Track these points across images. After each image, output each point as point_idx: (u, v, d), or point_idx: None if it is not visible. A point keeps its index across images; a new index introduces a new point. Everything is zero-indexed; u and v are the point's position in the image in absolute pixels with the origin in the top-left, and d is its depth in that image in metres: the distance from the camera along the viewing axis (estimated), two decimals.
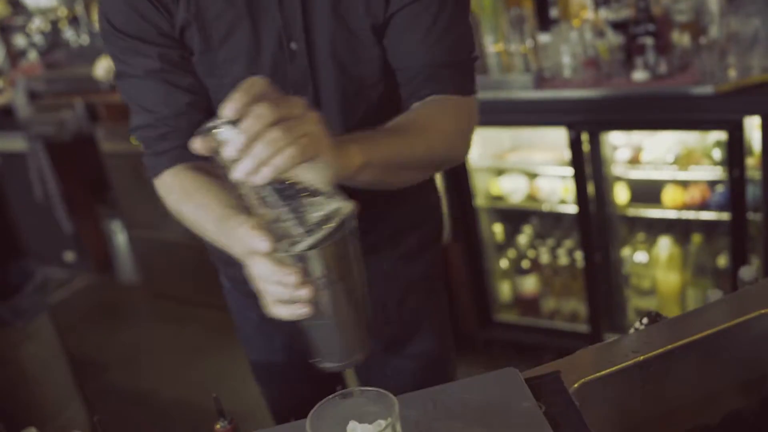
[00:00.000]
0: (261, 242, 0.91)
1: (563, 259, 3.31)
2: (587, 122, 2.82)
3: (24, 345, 2.98)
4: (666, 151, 2.96)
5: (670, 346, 1.24)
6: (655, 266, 3.15)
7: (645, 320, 1.34)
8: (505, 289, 3.44)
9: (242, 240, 0.92)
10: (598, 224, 3.02)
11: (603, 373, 1.20)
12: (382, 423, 0.90)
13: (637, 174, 3.00)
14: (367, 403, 0.93)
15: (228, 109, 0.86)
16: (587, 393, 1.17)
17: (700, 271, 3.11)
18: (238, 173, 0.87)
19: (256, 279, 0.97)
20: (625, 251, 3.21)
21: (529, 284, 3.36)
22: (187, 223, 1.30)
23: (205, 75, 1.31)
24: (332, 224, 0.91)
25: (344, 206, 0.93)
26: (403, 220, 1.47)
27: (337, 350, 1.01)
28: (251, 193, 0.91)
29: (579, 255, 3.21)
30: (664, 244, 3.11)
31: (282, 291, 0.94)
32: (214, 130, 0.88)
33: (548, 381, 1.17)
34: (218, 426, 1.36)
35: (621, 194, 3.08)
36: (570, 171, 2.95)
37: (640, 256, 3.20)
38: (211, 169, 1.27)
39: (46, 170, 4.55)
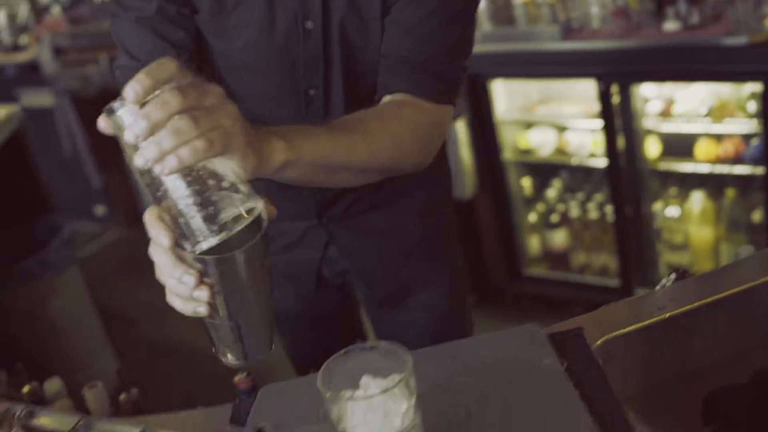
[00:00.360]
0: (163, 237, 0.85)
1: (593, 213, 3.25)
2: (617, 74, 2.75)
3: (52, 298, 3.01)
4: (699, 103, 2.88)
5: (697, 303, 1.21)
6: (687, 221, 3.09)
7: (672, 276, 1.30)
8: (534, 244, 3.41)
9: (146, 226, 0.87)
10: (628, 178, 2.96)
11: (627, 329, 1.17)
12: (396, 377, 0.88)
13: (669, 127, 2.93)
14: (380, 358, 0.91)
15: (129, 90, 0.79)
16: (611, 349, 1.14)
17: (734, 226, 3.04)
18: (138, 160, 0.80)
19: (156, 267, 0.91)
20: (657, 205, 3.15)
21: (559, 238, 3.32)
22: None
23: (212, 35, 1.27)
24: (240, 226, 0.85)
25: (257, 207, 0.86)
26: (409, 179, 1.41)
27: (237, 350, 0.96)
28: (155, 182, 0.83)
29: (609, 209, 3.16)
30: (697, 199, 3.05)
31: (180, 287, 0.89)
32: (114, 112, 0.81)
33: (570, 337, 1.14)
34: (237, 378, 1.35)
35: (652, 148, 3.01)
36: (600, 124, 2.89)
37: (672, 211, 3.13)
38: None
39: (73, 125, 4.55)
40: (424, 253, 1.57)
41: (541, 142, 3.24)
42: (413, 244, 1.55)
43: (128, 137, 0.80)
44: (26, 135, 3.57)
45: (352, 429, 0.88)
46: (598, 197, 3.28)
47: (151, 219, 0.86)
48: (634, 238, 3.08)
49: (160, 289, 0.92)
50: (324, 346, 1.34)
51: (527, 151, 3.29)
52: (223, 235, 0.84)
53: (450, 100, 1.25)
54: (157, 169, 0.81)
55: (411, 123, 1.19)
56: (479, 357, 1.12)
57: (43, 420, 1.26)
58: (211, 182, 0.84)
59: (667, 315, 1.18)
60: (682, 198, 3.12)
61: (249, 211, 0.85)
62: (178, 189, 0.83)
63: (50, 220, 3.28)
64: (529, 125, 3.30)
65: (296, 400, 1.13)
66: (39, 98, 4.57)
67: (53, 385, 1.61)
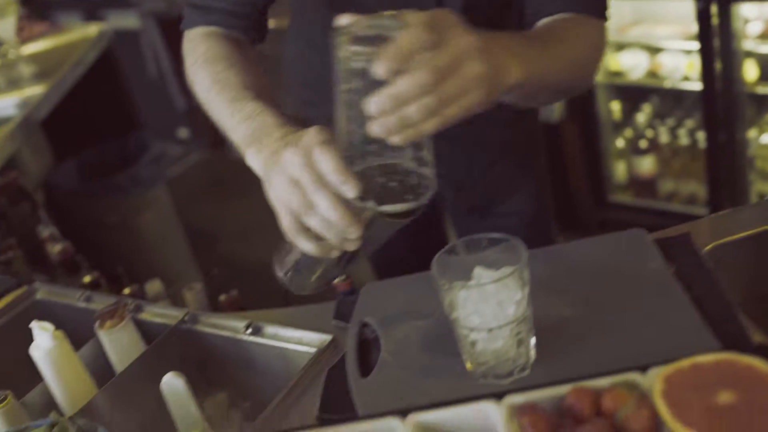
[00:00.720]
0: (348, 187, 0.81)
1: (684, 140, 3.17)
2: None
3: (143, 213, 3.09)
4: None
5: None
6: None
7: None
8: (620, 170, 3.35)
9: (320, 165, 0.82)
10: (723, 103, 2.87)
11: (736, 237, 1.15)
12: (510, 268, 0.88)
13: None
14: (493, 251, 0.91)
15: (381, 64, 0.74)
16: (719, 256, 1.12)
17: None
18: (376, 128, 0.77)
19: (281, 191, 0.88)
20: (752, 132, 3.05)
21: (646, 165, 3.25)
22: (196, 88, 1.16)
23: None
24: (423, 201, 0.84)
25: (433, 183, 0.84)
26: None
27: (308, 284, 1.00)
28: (360, 140, 0.81)
29: (701, 135, 3.08)
30: None
31: (325, 229, 0.86)
32: (349, 44, 0.77)
33: (678, 242, 1.12)
34: (336, 281, 1.37)
35: (750, 71, 2.91)
36: (696, 45, 2.80)
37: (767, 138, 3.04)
38: (248, 48, 1.20)
39: (159, 47, 4.60)
40: (511, 160, 1.56)
41: (632, 65, 3.15)
42: (500, 152, 1.54)
43: (378, 70, 0.75)
44: (116, 55, 3.62)
45: (465, 317, 0.88)
46: (689, 123, 3.19)
47: (339, 166, 0.82)
48: (725, 166, 2.99)
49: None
50: (407, 256, 1.35)
51: (618, 74, 3.20)
52: (409, 205, 0.84)
53: (605, 14, 1.17)
54: (393, 138, 0.78)
55: (586, 40, 1.13)
56: (585, 259, 1.12)
57: (151, 313, 1.31)
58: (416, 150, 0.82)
59: None
60: None
61: (430, 183, 0.84)
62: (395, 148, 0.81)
63: (140, 137, 3.35)
64: (620, 47, 3.21)
65: (398, 297, 1.15)
66: (125, 20, 4.62)
67: (154, 286, 1.66)
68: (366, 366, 1.04)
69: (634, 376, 0.75)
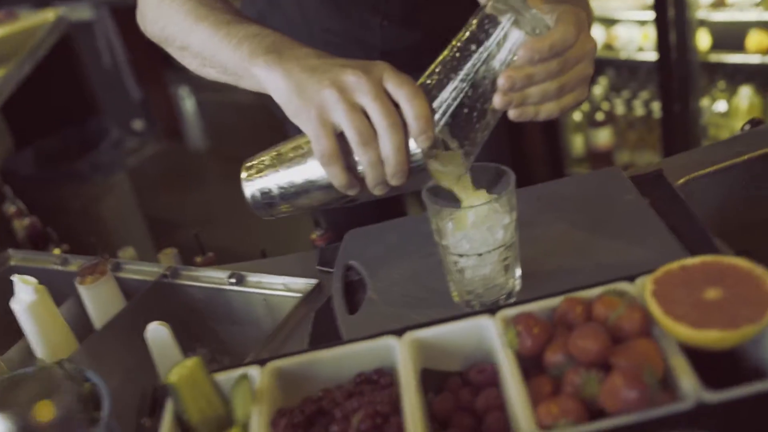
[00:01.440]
0: (427, 137, 0.83)
1: (639, 111, 3.23)
2: None
3: (104, 199, 3.06)
4: None
5: None
6: (734, 116, 3.07)
7: (747, 127, 1.30)
8: (577, 143, 3.40)
9: (410, 104, 0.83)
10: (678, 73, 2.93)
11: (707, 170, 1.18)
12: (499, 193, 0.90)
13: (721, 16, 2.89)
14: (480, 180, 0.93)
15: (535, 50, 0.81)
16: (691, 190, 1.16)
17: None
18: (498, 101, 0.83)
19: (329, 111, 0.84)
20: (704, 101, 3.12)
21: (603, 137, 3.31)
22: (166, 20, 1.07)
23: None
24: (468, 165, 0.89)
25: (473, 153, 0.90)
26: None
27: (281, 210, 0.97)
28: (482, 96, 0.85)
29: (656, 106, 3.14)
30: (745, 93, 3.02)
31: (372, 166, 0.85)
32: (499, 26, 0.83)
33: (652, 178, 1.16)
34: (314, 235, 1.38)
35: (703, 40, 2.97)
36: (651, 15, 2.85)
37: (720, 106, 3.11)
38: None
39: (113, 37, 4.55)
40: None
41: None
42: None
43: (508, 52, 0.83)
44: (73, 42, 3.58)
45: (456, 243, 0.90)
46: (644, 94, 3.25)
47: (428, 114, 0.83)
48: (680, 136, 3.05)
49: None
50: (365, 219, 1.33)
51: None
52: (459, 168, 0.89)
53: None
54: (511, 114, 0.85)
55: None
56: (563, 196, 1.14)
57: (131, 270, 1.31)
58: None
59: (746, 157, 1.19)
60: (730, 92, 3.09)
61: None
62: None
63: (99, 123, 3.32)
64: None
65: (380, 241, 1.16)
66: (80, 12, 4.55)
67: (127, 253, 1.65)
68: (353, 305, 1.06)
69: (623, 285, 0.77)
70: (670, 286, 0.73)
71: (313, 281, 1.14)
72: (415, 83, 0.85)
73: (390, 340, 0.80)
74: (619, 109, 3.28)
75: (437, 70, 0.86)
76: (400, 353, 0.78)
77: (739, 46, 2.94)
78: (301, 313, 1.10)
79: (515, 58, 0.83)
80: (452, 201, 0.92)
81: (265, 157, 0.97)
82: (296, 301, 1.11)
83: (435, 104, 0.85)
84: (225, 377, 0.80)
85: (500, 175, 0.93)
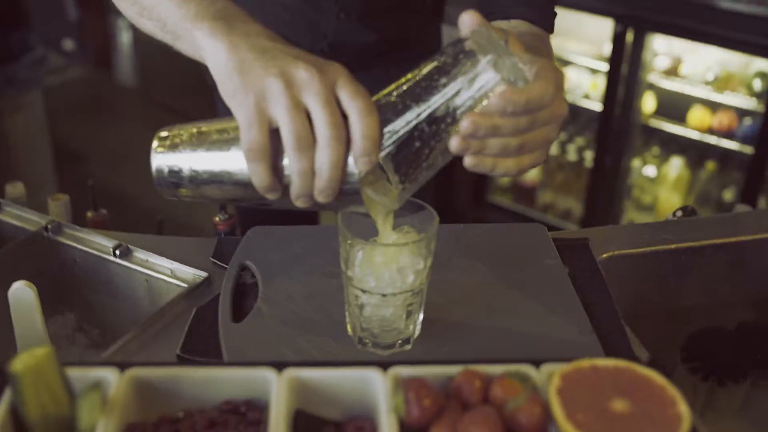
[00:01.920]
0: (369, 160, 0.75)
1: (572, 155, 3.23)
2: (636, 18, 2.69)
3: (13, 115, 2.90)
4: (705, 69, 2.85)
5: (702, 242, 1.19)
6: (661, 184, 3.09)
7: (679, 213, 1.28)
8: None
9: (358, 119, 0.74)
10: (617, 128, 2.93)
11: (632, 251, 1.15)
12: (418, 235, 0.83)
13: (670, 85, 2.90)
14: (403, 218, 0.86)
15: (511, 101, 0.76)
16: (612, 267, 1.12)
17: (704, 199, 3.05)
18: (455, 145, 0.77)
19: (267, 101, 0.75)
20: (636, 162, 3.13)
21: (531, 173, 3.29)
22: None
23: None
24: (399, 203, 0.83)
25: (409, 193, 0.83)
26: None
27: (186, 195, 0.89)
28: (436, 134, 0.78)
29: (588, 155, 3.14)
30: (676, 164, 3.04)
31: (302, 175, 0.76)
32: (478, 59, 0.76)
33: (576, 246, 1.11)
34: (217, 219, 1.30)
35: (648, 102, 2.98)
36: (603, 66, 2.84)
37: (650, 170, 3.13)
38: None
39: None
40: None
41: None
42: None
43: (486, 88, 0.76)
44: None
45: (362, 277, 0.83)
46: (580, 141, 3.25)
47: (378, 136, 0.75)
48: (605, 189, 3.06)
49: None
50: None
51: None
52: (390, 204, 0.83)
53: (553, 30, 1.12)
54: (467, 162, 0.80)
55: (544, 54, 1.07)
56: (484, 243, 1.09)
57: (11, 214, 1.20)
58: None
59: (673, 246, 1.16)
60: (662, 160, 3.11)
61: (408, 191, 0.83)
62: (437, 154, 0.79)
63: (23, 37, 3.13)
64: None
65: (284, 246, 1.08)
66: None
67: (16, 188, 1.52)
68: (240, 311, 0.97)
69: (527, 369, 0.72)
70: (577, 386, 0.68)
71: (203, 274, 1.05)
72: (370, 98, 0.76)
73: (268, 373, 0.73)
74: (553, 149, 3.26)
75: (395, 93, 0.78)
76: (276, 390, 0.71)
77: (681, 118, 2.96)
78: (182, 305, 1.01)
79: (485, 103, 0.76)
80: (368, 229, 0.85)
81: (184, 132, 0.86)
82: (180, 291, 1.03)
83: (386, 129, 0.77)
84: (79, 375, 0.72)
85: (422, 211, 0.86)
